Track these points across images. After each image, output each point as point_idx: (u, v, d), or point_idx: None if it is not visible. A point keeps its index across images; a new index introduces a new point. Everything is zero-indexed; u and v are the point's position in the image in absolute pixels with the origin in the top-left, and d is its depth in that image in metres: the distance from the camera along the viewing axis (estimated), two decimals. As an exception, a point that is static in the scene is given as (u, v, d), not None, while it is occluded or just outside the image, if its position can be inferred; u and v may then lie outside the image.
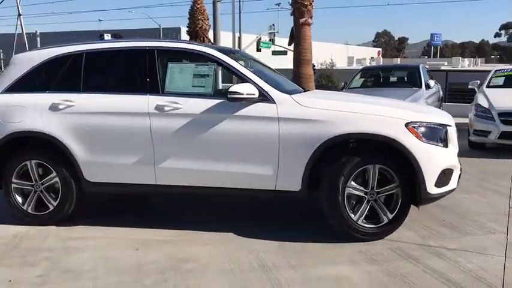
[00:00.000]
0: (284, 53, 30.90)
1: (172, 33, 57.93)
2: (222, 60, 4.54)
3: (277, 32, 33.64)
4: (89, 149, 4.62)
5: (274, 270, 3.67)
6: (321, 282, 3.46)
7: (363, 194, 4.19)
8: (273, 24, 33.52)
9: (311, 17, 13.59)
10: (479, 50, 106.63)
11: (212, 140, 4.38)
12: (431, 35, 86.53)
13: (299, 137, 4.20)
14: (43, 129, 4.68)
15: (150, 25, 56.30)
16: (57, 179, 4.74)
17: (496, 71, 9.93)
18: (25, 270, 3.77)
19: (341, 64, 43.80)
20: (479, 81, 9.75)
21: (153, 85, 4.58)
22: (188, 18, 17.91)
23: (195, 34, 17.65)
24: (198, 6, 17.60)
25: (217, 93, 4.58)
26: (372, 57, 69.08)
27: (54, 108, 4.70)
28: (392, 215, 4.21)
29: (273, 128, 4.25)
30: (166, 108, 4.46)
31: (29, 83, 4.95)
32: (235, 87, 4.26)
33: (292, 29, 14.01)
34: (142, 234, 4.51)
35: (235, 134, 4.33)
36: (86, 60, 4.80)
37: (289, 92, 4.51)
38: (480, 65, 58.69)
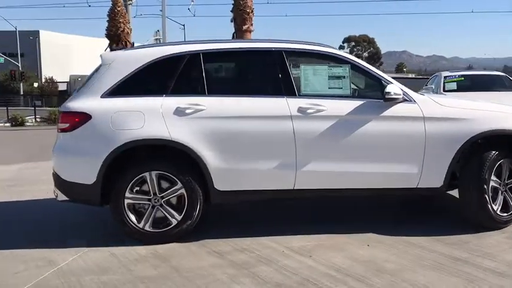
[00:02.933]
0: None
1: (29, 37, 53.44)
2: (357, 63, 4.59)
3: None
4: (222, 156, 4.30)
5: (472, 260, 3.85)
6: (527, 267, 3.74)
7: (498, 186, 4.57)
8: (158, 30, 32.87)
9: (252, 24, 13.83)
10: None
11: (359, 141, 4.39)
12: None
13: (445, 135, 4.42)
14: (170, 136, 4.24)
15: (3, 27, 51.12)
16: (183, 190, 4.31)
17: (445, 77, 11.17)
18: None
19: None
20: (433, 86, 10.90)
21: (288, 87, 4.44)
22: (107, 21, 16.77)
23: (117, 38, 16.61)
24: (119, 8, 16.59)
25: (355, 95, 4.59)
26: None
27: (180, 112, 4.29)
28: (516, 204, 4.66)
29: (419, 127, 4.41)
30: (309, 111, 4.36)
31: (136, 85, 4.45)
32: (389, 88, 4.35)
33: (233, 35, 14.08)
34: (288, 242, 4.33)
35: (382, 135, 4.40)
36: (205, 61, 4.46)
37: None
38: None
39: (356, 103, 4.43)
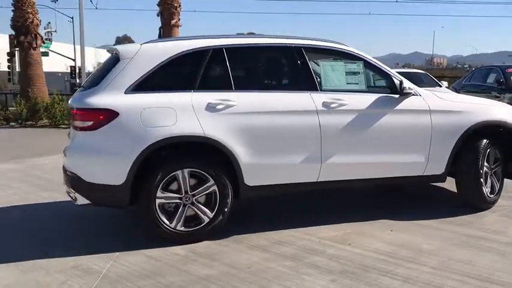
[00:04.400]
0: (45, 54, 28.52)
1: None
2: (370, 59, 4.85)
3: (55, 31, 30.93)
4: (252, 151, 4.32)
5: (489, 237, 4.32)
6: (537, 239, 4.29)
7: (488, 170, 5.12)
8: (49, 23, 30.71)
9: (179, 19, 13.63)
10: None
11: (377, 133, 4.66)
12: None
13: (447, 126, 4.86)
14: (204, 132, 4.16)
15: None
16: (215, 187, 4.26)
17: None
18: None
19: (90, 68, 42.59)
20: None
21: (310, 82, 4.58)
22: (13, 10, 15.24)
23: (25, 29, 15.17)
24: (26, -3, 15.19)
25: (370, 90, 4.82)
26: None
27: (212, 108, 4.22)
28: (498, 186, 5.26)
29: (427, 119, 4.80)
30: (332, 105, 4.54)
31: (161, 80, 4.30)
32: (406, 83, 4.68)
33: (159, 29, 13.74)
34: (316, 232, 4.47)
35: (397, 126, 4.72)
36: (228, 55, 4.43)
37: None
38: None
39: (372, 97, 4.69)
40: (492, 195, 5.16)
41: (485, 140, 5.01)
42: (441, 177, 4.98)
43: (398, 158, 4.75)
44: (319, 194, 5.73)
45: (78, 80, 34.67)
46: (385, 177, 4.81)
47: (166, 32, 13.37)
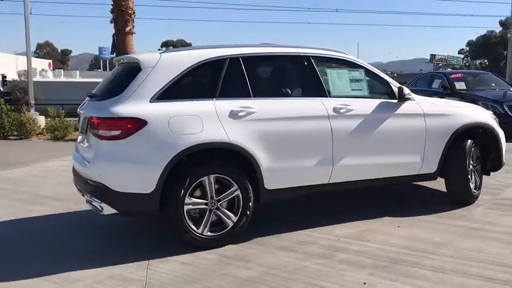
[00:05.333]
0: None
1: None
2: (370, 67, 5.18)
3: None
4: (271, 156, 4.48)
5: (487, 228, 4.75)
6: (528, 227, 4.78)
7: (472, 168, 5.60)
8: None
9: (134, 26, 13.45)
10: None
11: (381, 136, 4.98)
12: (100, 48, 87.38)
13: (438, 128, 5.27)
14: (229, 139, 4.27)
15: None
16: (238, 192, 4.38)
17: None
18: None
19: (12, 75, 40.77)
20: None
21: (320, 89, 4.83)
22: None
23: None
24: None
25: (371, 95, 5.14)
26: (43, 69, 66.15)
27: (234, 115, 4.35)
28: (479, 182, 5.77)
29: (421, 122, 5.19)
30: (342, 111, 4.81)
31: (184, 89, 4.38)
32: (406, 90, 5.04)
33: (113, 36, 13.47)
34: (331, 231, 4.71)
35: (398, 129, 5.07)
36: (245, 64, 4.58)
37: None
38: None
39: (375, 102, 5.02)
40: (476, 191, 5.64)
41: (470, 140, 5.48)
42: (433, 176, 5.39)
43: (399, 158, 5.10)
44: (319, 197, 5.96)
45: (2, 89, 32.92)
46: (388, 176, 5.14)
47: (121, 39, 13.10)
